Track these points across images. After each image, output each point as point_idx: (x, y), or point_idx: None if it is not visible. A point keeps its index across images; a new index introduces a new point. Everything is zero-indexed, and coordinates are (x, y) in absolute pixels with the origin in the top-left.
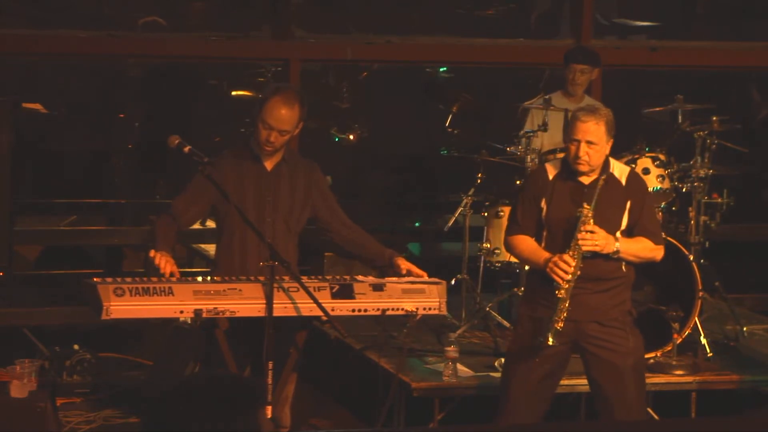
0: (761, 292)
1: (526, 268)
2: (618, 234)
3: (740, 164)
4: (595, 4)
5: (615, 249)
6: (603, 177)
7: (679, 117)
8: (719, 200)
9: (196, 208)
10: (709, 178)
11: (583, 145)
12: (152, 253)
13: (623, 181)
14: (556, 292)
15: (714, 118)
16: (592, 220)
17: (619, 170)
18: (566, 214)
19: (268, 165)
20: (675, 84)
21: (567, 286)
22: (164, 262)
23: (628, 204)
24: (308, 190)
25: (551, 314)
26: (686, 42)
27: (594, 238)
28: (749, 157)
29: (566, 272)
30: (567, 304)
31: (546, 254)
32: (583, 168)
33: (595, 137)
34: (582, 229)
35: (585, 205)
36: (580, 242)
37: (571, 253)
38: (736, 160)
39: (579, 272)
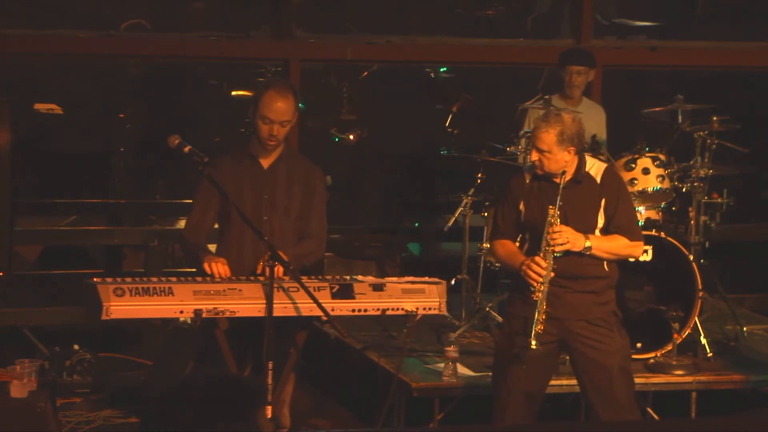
0: (761, 292)
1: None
2: (597, 232)
3: (740, 164)
4: (595, 4)
5: (585, 246)
6: (564, 177)
7: (679, 117)
8: (719, 200)
9: (211, 213)
10: (709, 178)
11: (534, 151)
12: (204, 265)
13: (598, 180)
14: (532, 295)
15: (714, 118)
16: (558, 220)
17: (596, 169)
18: (543, 215)
19: (265, 163)
20: (675, 84)
21: (542, 288)
22: (217, 268)
23: (603, 202)
24: (305, 192)
25: (533, 313)
26: (686, 42)
27: (561, 237)
28: (749, 157)
29: (539, 274)
30: (544, 306)
31: (522, 257)
32: (539, 171)
33: (545, 145)
34: (549, 230)
35: (550, 207)
36: (550, 243)
37: (542, 254)
38: (736, 160)
39: (553, 273)
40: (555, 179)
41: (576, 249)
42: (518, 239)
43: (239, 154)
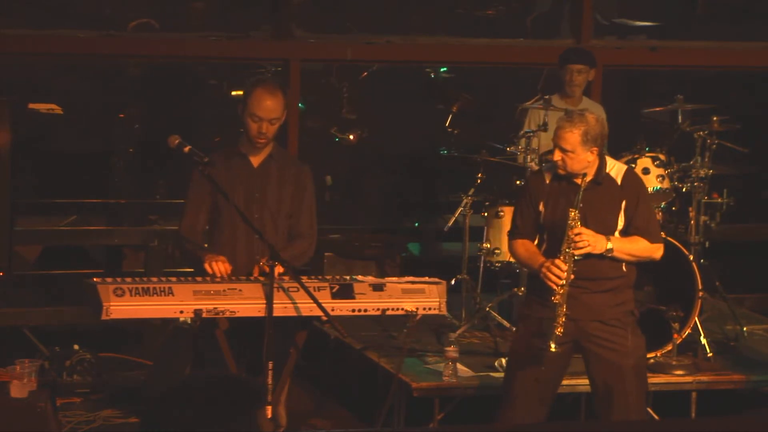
0: (761, 292)
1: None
2: (617, 234)
3: (740, 164)
4: (595, 4)
5: (607, 248)
6: (585, 178)
7: (679, 117)
8: (719, 200)
9: (203, 212)
10: (709, 178)
11: (557, 151)
12: (206, 265)
13: (619, 181)
14: (552, 298)
15: (714, 118)
16: (578, 222)
17: (616, 170)
18: (563, 216)
19: (255, 162)
20: (675, 84)
21: (562, 290)
22: (218, 267)
23: (624, 204)
24: (296, 190)
25: (550, 314)
26: (686, 42)
27: (582, 240)
28: (749, 157)
29: (559, 277)
30: (564, 309)
31: (542, 259)
32: (561, 171)
33: (568, 144)
34: (569, 233)
35: (571, 210)
36: (570, 246)
37: (562, 257)
38: (736, 160)
39: (573, 276)
40: (576, 180)
41: (597, 252)
42: (536, 239)
43: (229, 152)
